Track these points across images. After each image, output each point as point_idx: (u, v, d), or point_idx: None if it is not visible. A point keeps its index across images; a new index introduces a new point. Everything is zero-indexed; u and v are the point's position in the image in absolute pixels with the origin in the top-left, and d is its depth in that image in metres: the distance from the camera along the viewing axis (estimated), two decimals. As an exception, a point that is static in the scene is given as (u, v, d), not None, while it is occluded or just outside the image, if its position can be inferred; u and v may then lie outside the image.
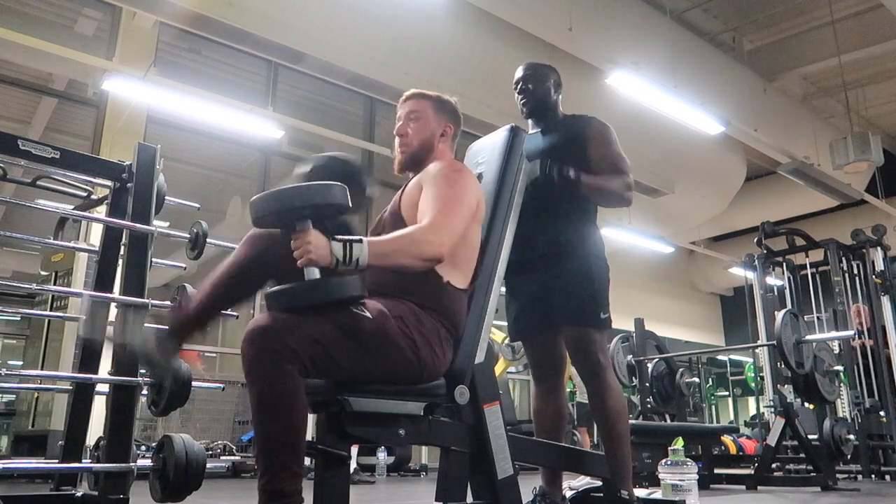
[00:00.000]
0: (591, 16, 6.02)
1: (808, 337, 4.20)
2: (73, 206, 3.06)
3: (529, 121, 2.31)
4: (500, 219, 1.84)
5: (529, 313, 2.14)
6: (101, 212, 2.68)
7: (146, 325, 2.01)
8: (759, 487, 4.17)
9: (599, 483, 2.11)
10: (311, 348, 1.39)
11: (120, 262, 2.32)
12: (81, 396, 2.30)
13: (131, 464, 2.00)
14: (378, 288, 1.62)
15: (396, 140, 1.84)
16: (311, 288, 1.42)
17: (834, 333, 5.12)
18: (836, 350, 5.23)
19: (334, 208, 1.44)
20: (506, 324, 2.28)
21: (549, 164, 2.01)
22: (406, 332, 1.53)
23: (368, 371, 1.52)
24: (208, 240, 2.65)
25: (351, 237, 1.44)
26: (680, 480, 2.45)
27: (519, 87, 2.27)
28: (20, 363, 7.73)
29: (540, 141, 2.19)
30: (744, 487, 4.25)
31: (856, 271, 5.64)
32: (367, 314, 1.49)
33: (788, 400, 4.36)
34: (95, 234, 3.85)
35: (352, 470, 5.65)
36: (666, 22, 6.85)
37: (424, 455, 6.74)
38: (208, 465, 2.02)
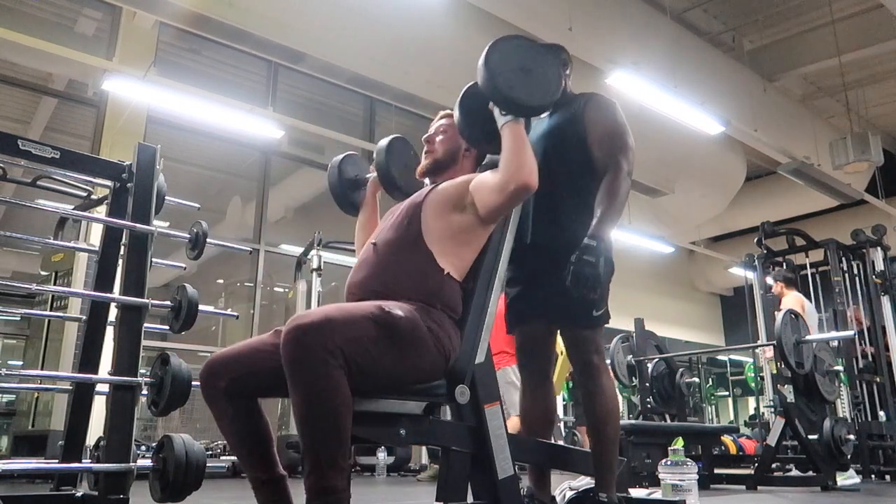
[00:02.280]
0: (591, 16, 6.03)
1: (808, 337, 4.20)
2: (73, 206, 3.06)
3: None
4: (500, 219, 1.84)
5: (523, 302, 2.07)
6: (101, 212, 2.68)
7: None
8: (759, 487, 4.17)
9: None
10: (353, 347, 1.40)
11: (120, 262, 2.32)
12: (81, 396, 2.30)
13: (131, 464, 2.00)
14: (387, 291, 1.64)
15: (424, 147, 1.95)
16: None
17: (834, 333, 5.13)
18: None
19: None
20: (506, 324, 2.23)
21: (570, 264, 1.82)
22: (430, 328, 1.57)
23: (405, 372, 1.55)
24: (208, 240, 2.65)
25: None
26: (680, 480, 2.45)
27: None
28: (20, 363, 7.72)
29: (544, 125, 2.11)
30: (744, 487, 4.25)
31: (856, 271, 5.65)
32: (400, 313, 1.52)
33: (788, 400, 4.36)
34: (95, 234, 3.86)
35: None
36: (666, 22, 6.85)
37: (424, 455, 6.73)
38: (208, 465, 2.02)
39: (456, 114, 1.88)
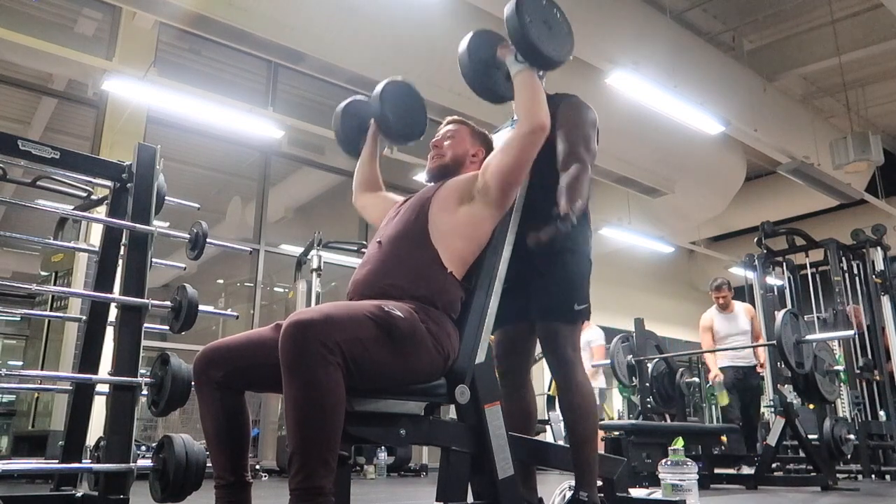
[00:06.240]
0: (591, 16, 6.02)
1: (808, 337, 4.20)
2: (73, 206, 3.06)
3: None
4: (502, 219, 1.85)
5: (503, 302, 1.97)
6: (101, 212, 2.68)
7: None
8: (759, 487, 4.17)
9: (600, 483, 2.10)
10: (352, 345, 1.40)
11: (120, 262, 2.32)
12: (81, 396, 2.30)
13: (131, 464, 2.00)
14: (390, 289, 1.64)
15: (431, 151, 1.99)
16: None
17: (834, 333, 5.13)
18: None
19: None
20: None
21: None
22: (430, 329, 1.57)
23: (403, 372, 1.54)
24: (208, 240, 2.65)
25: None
26: (680, 480, 2.45)
27: None
28: (20, 363, 7.73)
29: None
30: (744, 487, 4.26)
31: (856, 271, 5.65)
32: (400, 314, 1.52)
33: (788, 400, 4.36)
34: (95, 234, 3.85)
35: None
36: (666, 22, 6.85)
37: (425, 455, 6.73)
38: (208, 465, 2.02)
39: (462, 48, 1.92)
